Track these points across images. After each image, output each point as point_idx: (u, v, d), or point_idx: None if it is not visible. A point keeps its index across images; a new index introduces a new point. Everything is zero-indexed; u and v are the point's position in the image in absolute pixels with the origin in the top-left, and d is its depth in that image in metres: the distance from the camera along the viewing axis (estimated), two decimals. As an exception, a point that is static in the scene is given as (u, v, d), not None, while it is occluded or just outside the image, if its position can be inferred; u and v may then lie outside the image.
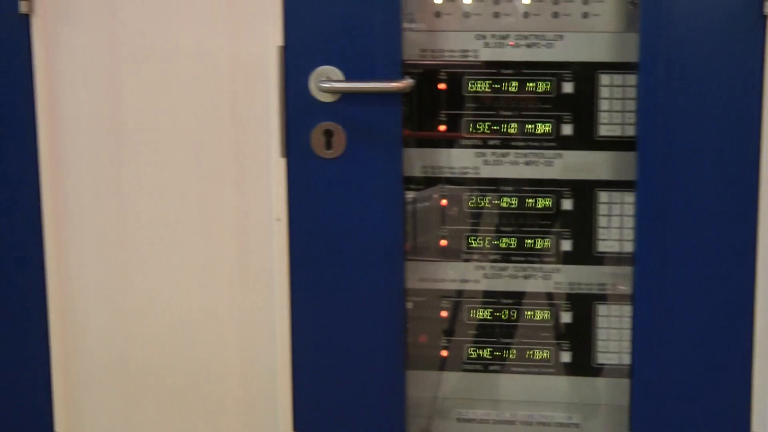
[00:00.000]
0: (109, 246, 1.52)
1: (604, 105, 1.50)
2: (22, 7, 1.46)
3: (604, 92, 1.49)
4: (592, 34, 1.49)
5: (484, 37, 1.51)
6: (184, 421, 1.54)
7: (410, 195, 1.55)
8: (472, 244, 1.56)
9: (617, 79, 1.49)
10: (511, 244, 1.55)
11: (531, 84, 1.51)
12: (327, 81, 1.43)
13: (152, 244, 1.51)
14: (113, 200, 1.51)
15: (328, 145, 1.46)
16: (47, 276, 1.53)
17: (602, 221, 1.52)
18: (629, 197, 1.50)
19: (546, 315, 1.56)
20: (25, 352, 1.55)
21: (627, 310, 1.53)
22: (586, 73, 1.49)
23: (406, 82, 1.42)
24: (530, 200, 1.54)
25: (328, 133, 1.46)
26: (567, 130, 1.51)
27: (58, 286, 1.53)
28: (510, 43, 1.50)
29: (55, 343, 1.54)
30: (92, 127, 1.50)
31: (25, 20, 1.47)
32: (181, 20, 1.46)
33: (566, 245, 1.53)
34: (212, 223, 1.50)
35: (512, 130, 1.53)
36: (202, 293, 1.51)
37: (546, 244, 1.54)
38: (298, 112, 1.45)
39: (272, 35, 1.44)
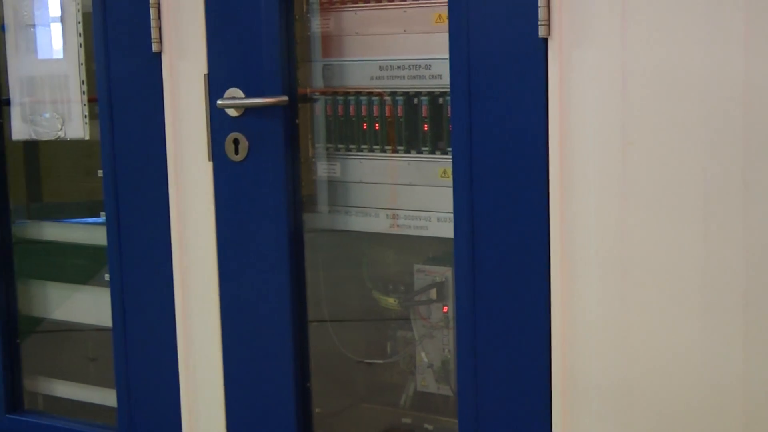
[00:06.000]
0: (611, 266, 1.53)
1: None
2: (542, 31, 1.53)
3: None
4: None
5: None
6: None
7: None
8: None
9: None
10: None
11: None
12: None
13: (653, 268, 1.50)
14: (617, 221, 1.52)
15: None
16: (551, 298, 1.58)
17: None
18: None
19: None
20: (526, 364, 1.62)
21: None
22: None
23: None
24: None
25: None
26: None
27: (562, 298, 1.58)
28: None
29: (556, 358, 1.59)
30: (600, 143, 1.52)
31: (543, 43, 1.54)
32: (694, 41, 1.44)
33: None
34: (717, 250, 1.45)
35: None
36: (705, 320, 1.47)
37: None
38: (819, 135, 1.37)
39: (794, 54, 1.37)
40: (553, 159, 1.55)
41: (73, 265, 2.29)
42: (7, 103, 2.20)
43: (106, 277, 2.07)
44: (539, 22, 1.53)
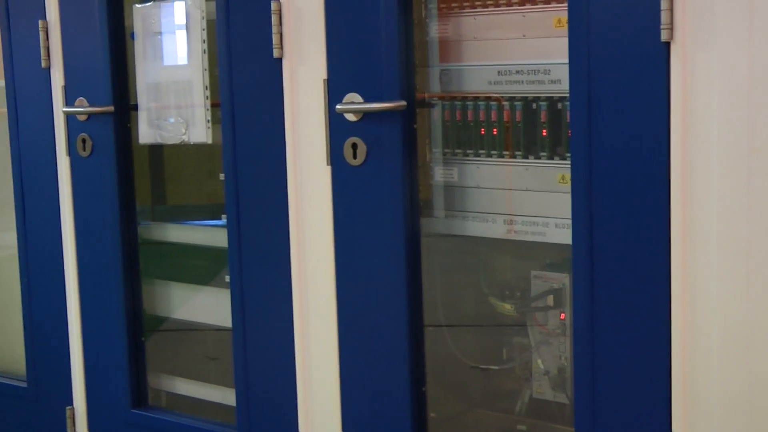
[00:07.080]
0: (735, 275, 1.49)
1: None
2: (664, 35, 1.50)
3: None
4: None
5: None
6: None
7: None
8: None
9: None
10: None
11: None
12: None
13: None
14: (741, 230, 1.48)
15: None
16: (671, 306, 1.55)
17: None
18: None
19: None
20: (645, 373, 1.59)
21: None
22: None
23: None
24: None
25: None
26: None
27: (682, 306, 1.55)
28: None
29: (676, 366, 1.56)
30: (724, 149, 1.48)
31: (665, 47, 1.51)
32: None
33: None
34: None
35: None
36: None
37: None
38: None
39: None
40: (674, 165, 1.52)
41: (194, 266, 2.35)
42: (136, 108, 2.27)
43: (227, 278, 2.12)
44: (662, 26, 1.50)
